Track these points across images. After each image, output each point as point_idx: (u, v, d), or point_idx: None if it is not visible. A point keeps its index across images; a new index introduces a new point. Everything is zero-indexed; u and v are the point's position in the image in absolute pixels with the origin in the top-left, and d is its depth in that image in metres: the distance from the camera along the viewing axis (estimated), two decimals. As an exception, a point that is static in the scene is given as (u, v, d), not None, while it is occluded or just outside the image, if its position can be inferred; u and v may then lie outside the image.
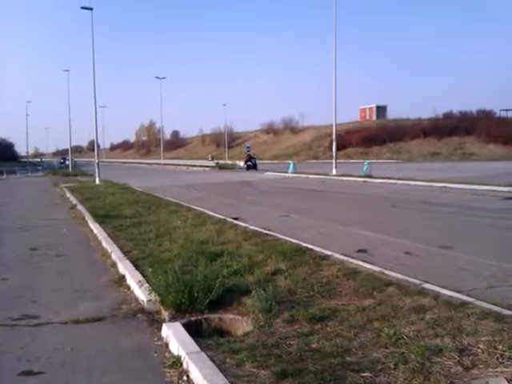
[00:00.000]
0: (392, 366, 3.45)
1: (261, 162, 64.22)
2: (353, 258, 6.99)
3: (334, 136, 32.77)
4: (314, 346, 3.88)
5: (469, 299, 4.85)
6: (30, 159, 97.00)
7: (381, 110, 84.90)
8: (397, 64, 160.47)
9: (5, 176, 45.09)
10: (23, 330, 4.78)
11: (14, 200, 20.49)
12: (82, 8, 30.47)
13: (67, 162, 64.81)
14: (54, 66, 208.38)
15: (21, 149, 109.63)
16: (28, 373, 3.81)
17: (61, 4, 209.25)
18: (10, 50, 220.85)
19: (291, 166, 35.32)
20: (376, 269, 6.23)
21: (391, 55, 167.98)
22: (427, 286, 5.39)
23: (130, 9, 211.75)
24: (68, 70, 52.57)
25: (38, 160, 70.84)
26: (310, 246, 7.69)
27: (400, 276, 5.84)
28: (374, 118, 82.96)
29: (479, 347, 3.67)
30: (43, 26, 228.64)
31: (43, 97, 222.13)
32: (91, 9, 30.47)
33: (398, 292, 5.15)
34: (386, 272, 6.04)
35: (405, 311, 4.56)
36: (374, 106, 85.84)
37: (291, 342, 3.95)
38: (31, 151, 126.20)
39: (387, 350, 3.74)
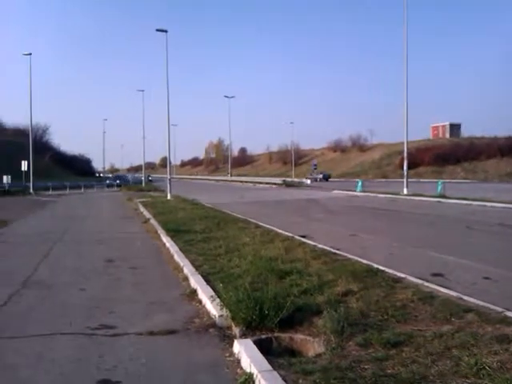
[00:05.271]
0: (474, 398, 3.27)
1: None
2: (428, 281, 6.71)
3: (405, 154, 31.90)
4: (389, 371, 3.74)
5: (558, 330, 4.50)
6: (106, 174, 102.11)
7: (454, 128, 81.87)
8: (470, 80, 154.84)
9: (83, 190, 47.72)
10: (101, 340, 4.96)
11: (92, 214, 21.59)
12: (157, 30, 32.08)
13: (149, 178, 69.22)
14: (129, 85, 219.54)
15: (97, 164, 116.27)
16: (106, 382, 3.94)
17: (136, 25, 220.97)
18: (89, 72, 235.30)
19: (359, 184, 34.82)
20: (453, 294, 5.95)
21: (464, 71, 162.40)
22: (510, 313, 5.07)
23: (198, 28, 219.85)
24: (143, 90, 55.34)
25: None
26: (382, 268, 7.47)
27: (480, 302, 5.53)
28: (448, 135, 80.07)
29: None
30: (119, 48, 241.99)
31: (118, 115, 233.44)
32: (166, 31, 32.00)
33: (477, 319, 4.88)
34: (465, 297, 5.75)
35: (486, 340, 4.31)
36: (447, 123, 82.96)
37: (365, 367, 3.83)
38: (107, 167, 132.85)
39: (468, 381, 3.54)
